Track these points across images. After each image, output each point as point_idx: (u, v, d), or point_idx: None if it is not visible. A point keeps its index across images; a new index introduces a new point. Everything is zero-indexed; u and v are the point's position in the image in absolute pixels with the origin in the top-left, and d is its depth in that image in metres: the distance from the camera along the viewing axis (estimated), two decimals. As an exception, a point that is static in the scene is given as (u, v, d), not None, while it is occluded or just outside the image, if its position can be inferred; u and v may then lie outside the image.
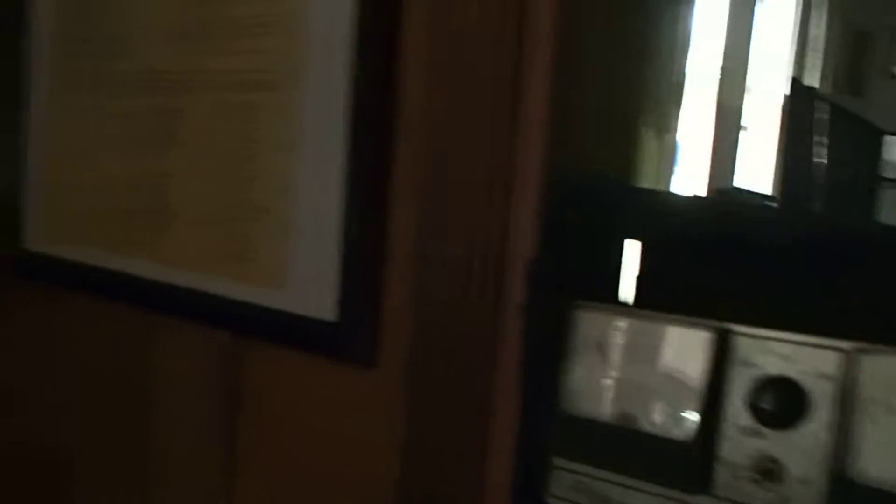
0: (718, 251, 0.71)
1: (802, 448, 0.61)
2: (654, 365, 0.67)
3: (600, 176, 0.79)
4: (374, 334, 0.75)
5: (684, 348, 0.66)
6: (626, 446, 0.67)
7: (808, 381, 0.62)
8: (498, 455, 0.72)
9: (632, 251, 0.78)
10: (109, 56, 0.95)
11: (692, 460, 0.64)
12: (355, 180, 0.73)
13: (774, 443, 0.62)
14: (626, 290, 0.77)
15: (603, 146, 0.83)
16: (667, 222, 0.72)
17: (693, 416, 0.65)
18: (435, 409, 0.73)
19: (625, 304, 0.71)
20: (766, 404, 0.62)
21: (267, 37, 0.81)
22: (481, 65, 0.74)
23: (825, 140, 3.09)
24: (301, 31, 0.78)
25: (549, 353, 0.71)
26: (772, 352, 0.63)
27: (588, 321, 0.70)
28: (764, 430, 0.63)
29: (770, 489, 0.62)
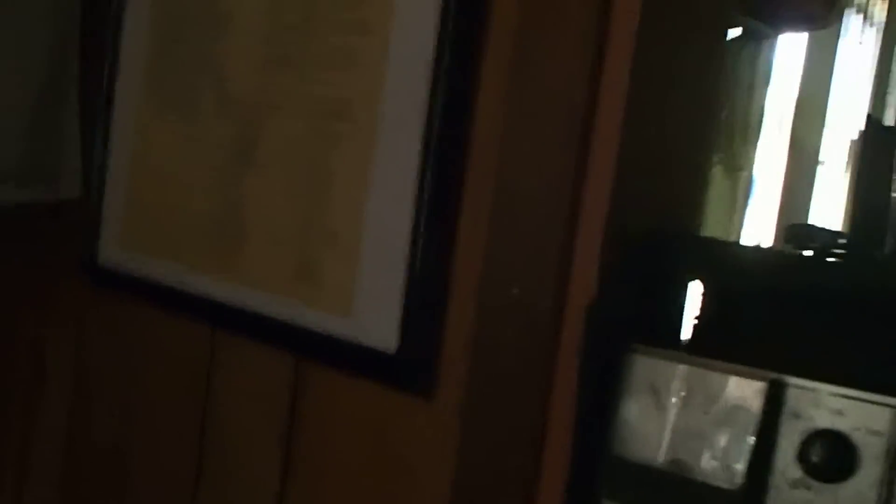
0: (778, 301, 0.72)
1: (850, 503, 0.62)
2: (706, 412, 0.68)
3: (664, 222, 0.81)
4: (433, 367, 0.78)
5: (738, 397, 0.67)
6: (674, 492, 0.68)
7: (858, 437, 0.62)
8: (548, 495, 0.74)
9: (692, 297, 0.80)
10: (199, 77, 1.00)
11: (738, 510, 0.65)
12: (425, 213, 0.76)
13: (821, 496, 0.63)
14: (684, 335, 0.78)
15: (672, 187, 0.84)
16: (728, 270, 0.73)
17: (742, 466, 0.66)
18: (488, 444, 0.76)
19: (681, 350, 0.73)
20: (816, 457, 0.63)
21: (351, 69, 0.84)
22: (555, 105, 0.76)
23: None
24: (383, 64, 0.82)
25: (604, 396, 0.72)
26: (824, 405, 0.64)
27: (643, 365, 0.72)
28: (812, 482, 0.64)
29: (817, 542, 0.63)
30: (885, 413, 0.62)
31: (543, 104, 0.76)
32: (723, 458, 0.67)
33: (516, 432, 0.75)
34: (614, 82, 0.74)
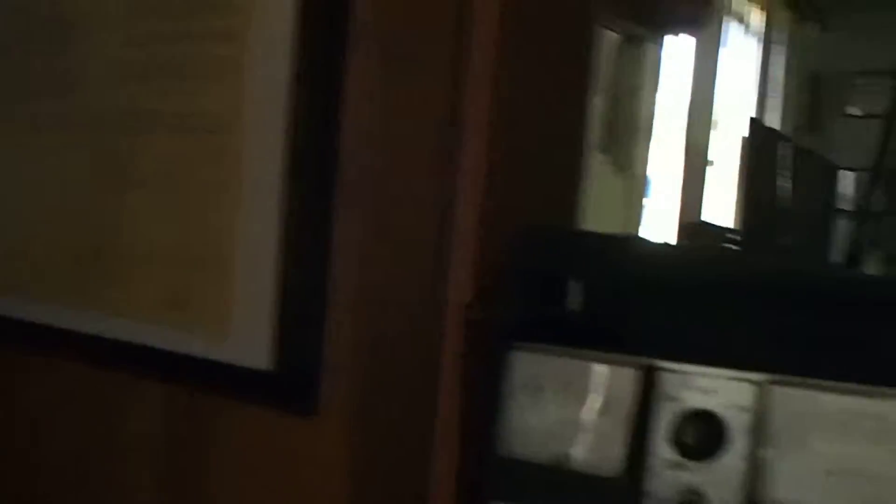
0: (651, 290, 0.74)
1: (722, 479, 0.64)
2: (585, 403, 0.69)
3: (542, 219, 0.82)
4: (316, 384, 0.77)
5: (614, 386, 0.68)
6: (559, 486, 0.69)
7: (726, 414, 0.64)
8: (441, 502, 0.74)
9: (570, 291, 0.81)
10: (58, 93, 0.94)
11: (620, 497, 0.66)
12: (293, 227, 0.75)
13: (697, 474, 0.65)
14: (564, 330, 0.80)
15: (547, 184, 0.86)
16: (602, 264, 0.75)
17: (622, 453, 0.67)
18: (378, 456, 0.75)
19: (557, 345, 0.74)
20: (688, 437, 0.65)
21: (210, 79, 0.81)
22: (423, 105, 0.77)
23: (785, 175, 3.16)
24: (242, 74, 0.79)
25: (488, 396, 0.73)
26: (694, 386, 0.66)
27: (524, 361, 0.73)
28: (687, 462, 0.65)
29: (695, 520, 0.64)
30: (750, 389, 0.64)
31: (411, 105, 0.77)
32: (602, 447, 0.68)
33: (406, 440, 0.74)
34: (480, 81, 0.76)
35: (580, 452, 0.69)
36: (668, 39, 3.05)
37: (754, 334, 0.68)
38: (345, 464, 0.76)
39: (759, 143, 3.37)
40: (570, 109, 0.90)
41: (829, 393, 0.60)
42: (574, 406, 0.70)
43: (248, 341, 0.77)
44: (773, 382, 0.63)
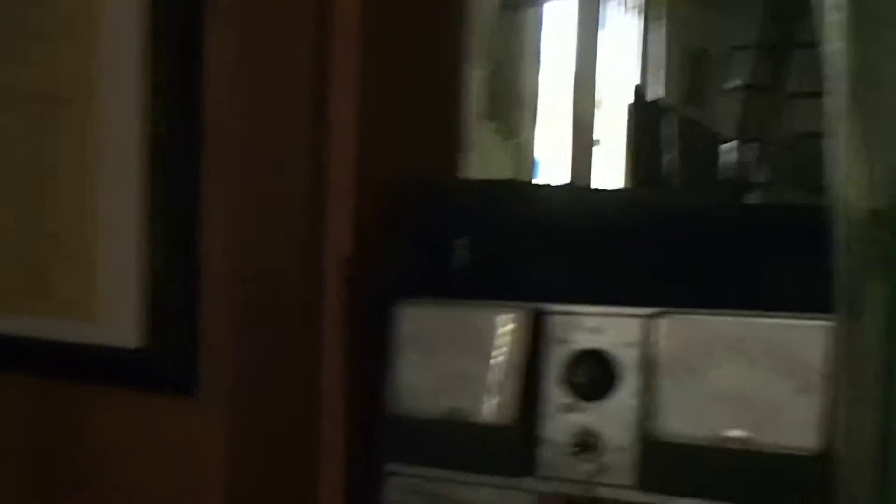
0: (534, 236, 0.73)
1: (615, 417, 0.63)
2: (476, 354, 0.68)
3: (421, 175, 0.80)
4: (191, 360, 0.72)
5: (503, 333, 0.67)
6: (454, 441, 0.67)
7: (615, 351, 0.64)
8: (331, 469, 0.71)
9: (453, 244, 0.80)
10: None
11: (515, 444, 0.65)
12: (157, 200, 0.70)
13: (590, 415, 0.64)
14: (449, 284, 0.78)
15: (432, 147, 0.84)
16: (485, 212, 0.73)
17: (514, 401, 0.66)
18: (263, 429, 0.72)
19: (443, 298, 0.72)
20: (581, 378, 0.64)
21: (57, 43, 0.74)
22: (289, 65, 0.73)
23: (670, 149, 3.24)
24: (91, 37, 0.73)
25: (375, 355, 0.71)
26: (582, 327, 0.65)
27: (410, 317, 0.70)
28: (580, 403, 0.64)
29: (589, 461, 0.64)
30: (637, 324, 0.63)
31: (275, 66, 0.73)
32: (495, 396, 0.66)
33: (291, 409, 0.71)
34: (346, 44, 0.73)
35: (473, 404, 0.67)
36: (548, 7, 3.10)
37: (641, 272, 0.68)
38: (229, 443, 0.72)
39: (643, 117, 3.44)
40: (447, 71, 0.89)
41: (714, 321, 0.60)
42: (463, 358, 0.68)
43: (117, 320, 0.72)
44: (659, 315, 0.62)
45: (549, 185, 0.91)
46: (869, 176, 0.49)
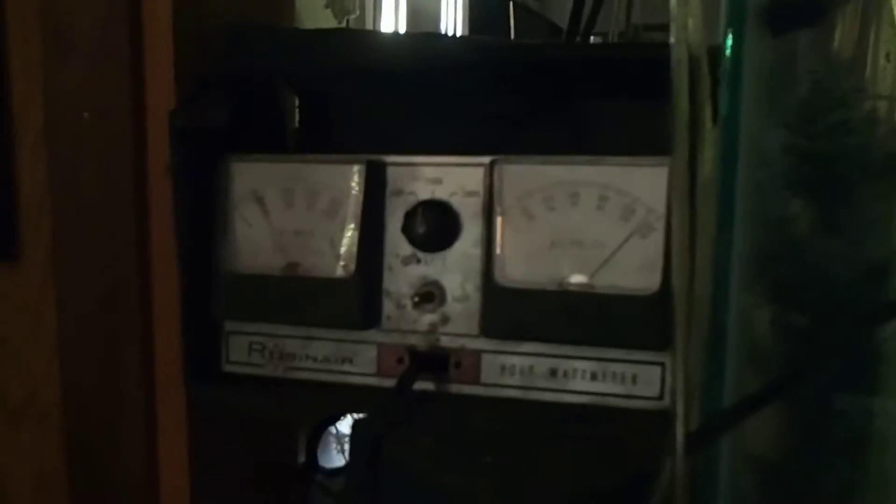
0: (369, 84, 0.70)
1: (457, 266, 0.63)
2: (312, 208, 0.65)
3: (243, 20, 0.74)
4: (9, 221, 0.67)
5: (340, 187, 0.64)
6: (295, 296, 0.65)
7: (456, 201, 0.63)
8: (164, 331, 0.68)
9: (284, 96, 0.76)
10: None
11: (358, 297, 0.64)
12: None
13: (432, 266, 0.63)
14: (282, 139, 0.74)
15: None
16: (316, 60, 0.69)
17: (354, 254, 0.64)
18: (89, 295, 0.67)
19: (279, 153, 0.69)
20: (421, 229, 0.63)
21: None
22: None
23: (505, 36, 3.22)
24: None
25: (205, 214, 0.67)
26: (422, 177, 0.63)
27: (242, 172, 0.66)
28: (422, 255, 0.64)
29: (432, 311, 0.63)
30: (478, 172, 0.62)
31: None
32: (335, 250, 0.64)
33: (122, 269, 0.67)
34: None
35: (313, 260, 0.65)
36: None
37: (478, 120, 0.67)
38: (55, 307, 0.68)
39: (482, 5, 3.39)
40: None
41: (553, 168, 0.60)
42: (300, 214, 0.65)
43: None
44: (499, 162, 0.61)
45: (382, 33, 0.87)
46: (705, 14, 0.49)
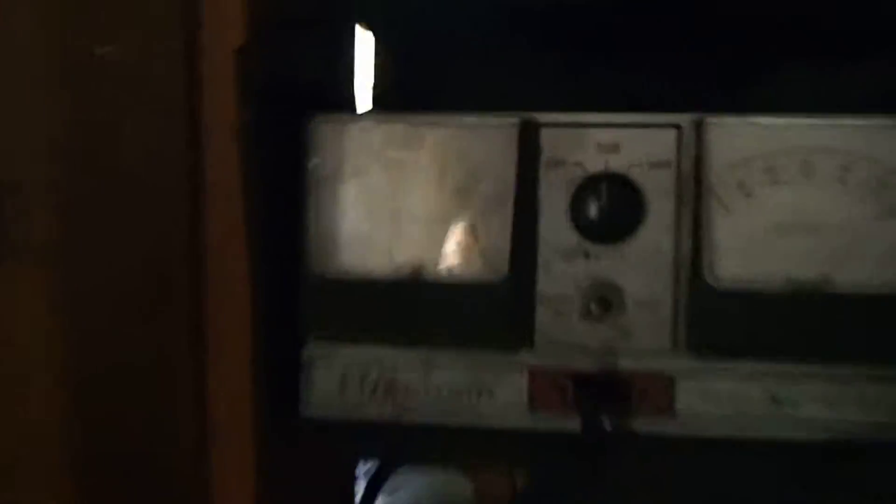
0: (489, 36, 0.54)
1: (641, 262, 0.47)
2: (436, 186, 0.48)
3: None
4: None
5: (480, 159, 0.48)
6: (412, 309, 0.48)
7: (639, 174, 0.47)
8: (233, 351, 0.49)
9: (371, 47, 0.58)
10: None
11: (508, 307, 0.47)
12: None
13: (606, 261, 0.47)
14: (373, 96, 0.57)
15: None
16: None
17: (504, 247, 0.47)
18: (102, 294, 0.48)
19: (383, 112, 0.51)
20: (592, 213, 0.47)
21: None
22: None
23: None
24: None
25: (285, 194, 0.49)
26: (591, 143, 0.47)
27: (339, 138, 0.49)
28: (591, 247, 0.47)
29: (606, 323, 0.47)
30: (669, 136, 0.47)
31: None
32: (473, 243, 0.48)
33: (162, 269, 0.48)
34: None
35: (440, 257, 0.48)
36: None
37: (657, 64, 0.51)
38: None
39: None
40: None
41: (779, 128, 0.46)
42: (420, 192, 0.48)
43: None
44: (703, 123, 0.46)
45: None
46: None
